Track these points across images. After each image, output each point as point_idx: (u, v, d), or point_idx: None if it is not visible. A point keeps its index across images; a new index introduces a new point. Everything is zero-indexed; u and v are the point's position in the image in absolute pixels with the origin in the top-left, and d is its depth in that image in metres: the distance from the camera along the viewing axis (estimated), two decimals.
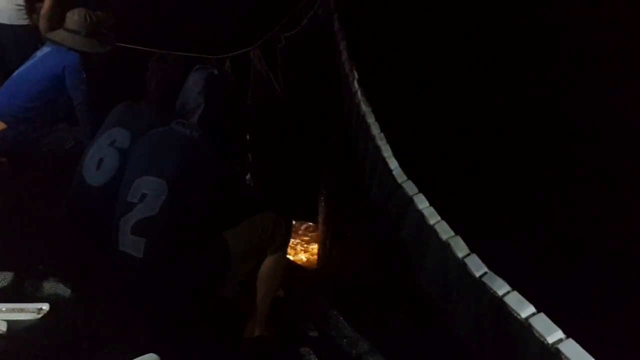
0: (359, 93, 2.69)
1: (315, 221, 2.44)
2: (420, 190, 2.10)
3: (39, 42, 3.28)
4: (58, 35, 2.97)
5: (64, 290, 1.92)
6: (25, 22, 3.58)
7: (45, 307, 1.78)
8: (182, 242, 1.86)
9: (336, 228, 2.40)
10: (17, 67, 2.95)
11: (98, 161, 2.24)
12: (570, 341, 1.35)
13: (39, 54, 2.94)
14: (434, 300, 1.89)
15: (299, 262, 2.32)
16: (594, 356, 1.28)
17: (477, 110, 2.93)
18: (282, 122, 3.07)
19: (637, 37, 2.79)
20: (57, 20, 3.30)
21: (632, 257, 1.79)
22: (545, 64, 3.11)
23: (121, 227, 1.88)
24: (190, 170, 1.91)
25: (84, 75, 2.86)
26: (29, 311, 1.73)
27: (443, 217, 1.95)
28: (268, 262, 1.97)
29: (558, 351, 1.34)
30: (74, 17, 2.96)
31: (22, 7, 3.58)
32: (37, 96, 2.85)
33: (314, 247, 2.43)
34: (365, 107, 2.61)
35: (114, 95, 2.74)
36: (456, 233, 1.85)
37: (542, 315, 1.44)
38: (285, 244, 2.02)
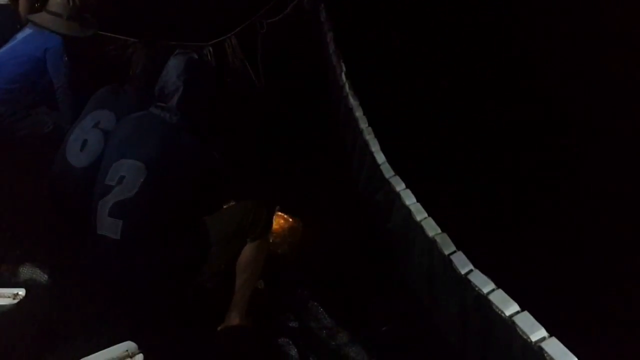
0: (346, 86, 2.68)
1: (298, 212, 2.42)
2: (409, 185, 2.11)
3: (19, 22, 3.20)
4: (39, 17, 2.88)
5: (40, 276, 1.86)
6: (4, 1, 3.47)
7: (22, 292, 1.71)
8: (159, 225, 1.85)
9: (320, 219, 2.39)
10: None
11: (82, 142, 2.20)
12: (554, 340, 1.37)
13: (20, 35, 2.85)
14: (419, 294, 1.90)
15: (280, 252, 2.28)
16: (576, 355, 1.30)
17: (466, 104, 2.94)
18: (260, 113, 3.03)
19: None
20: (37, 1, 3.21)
21: (619, 256, 1.82)
22: (535, 58, 3.11)
23: (99, 210, 1.86)
24: (168, 153, 1.90)
25: (66, 59, 2.79)
26: (5, 296, 1.67)
27: (430, 212, 1.95)
28: (248, 250, 1.93)
29: (541, 349, 1.36)
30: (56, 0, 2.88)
31: None
32: (17, 78, 2.76)
33: (296, 237, 2.41)
34: (353, 100, 2.60)
35: (96, 79, 2.68)
36: (443, 229, 1.86)
37: (526, 313, 1.46)
38: (266, 232, 1.99)
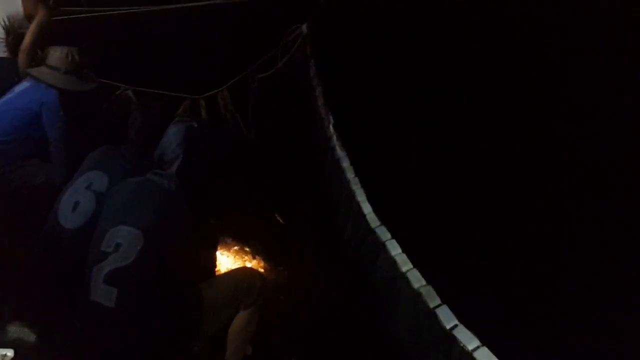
0: (334, 137, 2.70)
1: (286, 265, 2.40)
2: (395, 236, 2.09)
3: (17, 76, 3.25)
4: (38, 71, 2.94)
5: (28, 336, 1.84)
6: (4, 54, 3.55)
7: (10, 353, 1.70)
8: (155, 294, 1.83)
9: (308, 273, 2.37)
10: None
11: (74, 204, 2.19)
12: None
13: (17, 88, 2.89)
14: (405, 348, 1.85)
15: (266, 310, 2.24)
16: None
17: (455, 152, 2.96)
18: (251, 164, 3.07)
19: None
20: (36, 55, 3.28)
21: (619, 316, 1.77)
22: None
23: (93, 277, 1.83)
24: (166, 221, 1.89)
25: (62, 114, 2.82)
26: None
27: (416, 263, 1.93)
28: (240, 318, 1.93)
29: None
30: (55, 54, 2.93)
31: (1, 40, 3.55)
32: (12, 130, 2.78)
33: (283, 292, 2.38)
34: (340, 151, 2.62)
35: (91, 136, 2.73)
36: (429, 280, 1.83)
37: None
38: (259, 301, 1.98)
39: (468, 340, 1.57)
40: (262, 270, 2.38)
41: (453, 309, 1.67)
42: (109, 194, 2.07)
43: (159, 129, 2.14)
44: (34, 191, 2.72)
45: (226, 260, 2.71)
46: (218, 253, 2.17)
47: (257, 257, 2.67)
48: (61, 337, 1.83)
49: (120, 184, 2.06)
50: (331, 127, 2.81)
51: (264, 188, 3.00)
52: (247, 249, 2.85)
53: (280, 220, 2.88)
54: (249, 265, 2.61)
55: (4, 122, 2.81)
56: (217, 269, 2.09)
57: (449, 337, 1.61)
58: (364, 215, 2.29)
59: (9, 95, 2.91)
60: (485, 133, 3.10)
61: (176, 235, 1.87)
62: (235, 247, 2.88)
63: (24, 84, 2.95)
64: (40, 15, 3.16)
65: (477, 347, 1.54)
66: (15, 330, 1.86)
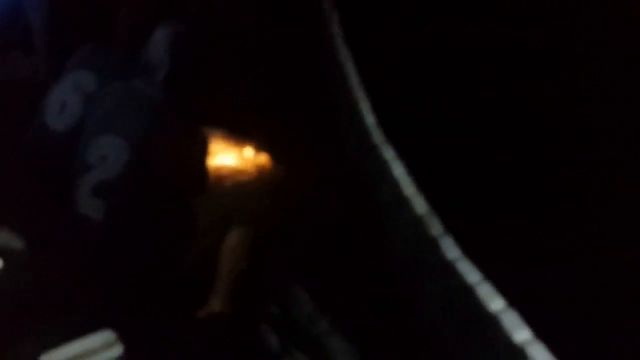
0: (338, 36, 2.48)
1: (288, 163, 2.29)
2: (402, 152, 1.98)
3: None
4: None
5: (17, 243, 1.83)
6: None
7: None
8: (144, 207, 1.79)
9: (309, 177, 2.28)
10: None
11: (61, 104, 2.10)
12: (538, 343, 1.31)
13: None
14: (404, 274, 1.84)
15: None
16: None
17: (469, 68, 2.71)
18: (253, 67, 2.87)
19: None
20: None
21: (622, 263, 1.70)
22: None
23: (80, 188, 1.79)
24: (152, 131, 1.81)
25: None
26: None
27: (421, 185, 1.85)
28: (234, 236, 1.89)
29: (523, 352, 1.31)
30: None
31: None
32: None
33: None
34: (344, 54, 2.41)
35: (76, 24, 2.52)
36: (433, 207, 1.76)
37: (511, 311, 1.39)
38: (254, 218, 1.93)
39: (469, 273, 1.53)
40: (262, 166, 2.30)
41: (458, 239, 1.62)
42: (96, 98, 1.97)
43: (150, 25, 1.99)
44: (18, 86, 2.61)
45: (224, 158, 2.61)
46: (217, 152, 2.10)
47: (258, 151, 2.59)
48: (50, 248, 1.83)
49: (106, 89, 1.95)
50: (335, 24, 2.57)
51: (260, 76, 2.81)
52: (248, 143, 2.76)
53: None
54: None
55: None
56: (217, 172, 2.04)
57: (450, 268, 1.58)
58: (367, 128, 2.17)
59: None
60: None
61: (163, 147, 1.80)
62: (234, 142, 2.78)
63: None
64: None
65: (478, 282, 1.50)
66: (3, 236, 1.81)
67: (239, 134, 2.21)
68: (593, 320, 1.52)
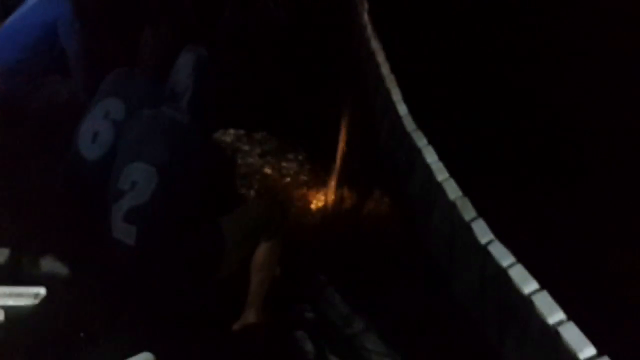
0: (369, 27, 2.49)
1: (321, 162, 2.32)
2: (432, 141, 1.99)
3: None
4: None
5: (61, 269, 1.89)
6: None
7: (42, 291, 1.77)
8: (174, 230, 1.87)
9: (341, 174, 2.32)
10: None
11: (93, 134, 2.18)
12: (571, 324, 1.30)
13: (30, 1, 2.77)
14: (438, 262, 1.84)
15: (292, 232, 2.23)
16: (594, 342, 1.24)
17: (498, 59, 2.66)
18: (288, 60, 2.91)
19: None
20: None
21: None
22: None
23: (113, 214, 1.89)
24: (180, 156, 1.89)
25: (78, 25, 2.70)
26: (26, 296, 1.72)
27: (453, 172, 1.85)
28: (263, 249, 1.93)
29: (557, 333, 1.31)
30: None
31: None
32: (28, 47, 2.70)
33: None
34: (375, 44, 2.43)
35: (108, 48, 2.64)
36: (465, 192, 1.76)
37: (545, 292, 1.39)
38: (279, 231, 1.98)
39: (502, 256, 1.53)
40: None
41: (491, 222, 1.61)
42: (126, 127, 2.05)
43: (173, 50, 2.06)
44: (57, 110, 2.70)
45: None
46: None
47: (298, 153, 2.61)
48: (91, 271, 1.90)
49: (136, 117, 2.04)
50: (366, 14, 2.58)
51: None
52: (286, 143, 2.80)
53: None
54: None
55: (19, 38, 2.72)
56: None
57: (483, 252, 1.58)
58: (399, 117, 2.17)
59: (21, 10, 2.79)
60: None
61: (189, 171, 1.88)
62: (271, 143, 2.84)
63: None
64: None
65: (512, 264, 1.50)
66: (47, 263, 1.89)
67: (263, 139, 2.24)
68: (627, 301, 1.50)
